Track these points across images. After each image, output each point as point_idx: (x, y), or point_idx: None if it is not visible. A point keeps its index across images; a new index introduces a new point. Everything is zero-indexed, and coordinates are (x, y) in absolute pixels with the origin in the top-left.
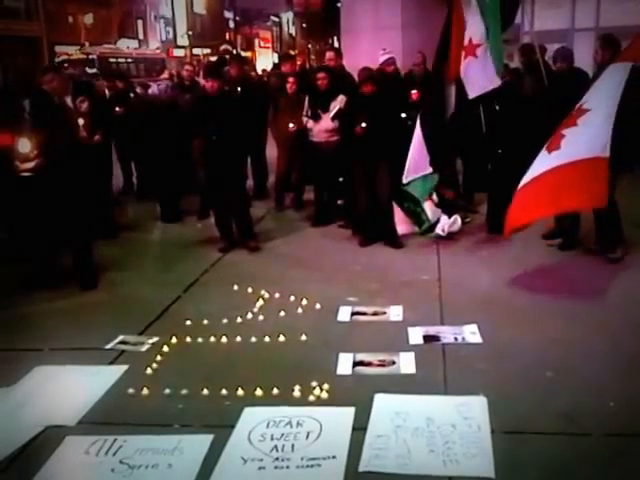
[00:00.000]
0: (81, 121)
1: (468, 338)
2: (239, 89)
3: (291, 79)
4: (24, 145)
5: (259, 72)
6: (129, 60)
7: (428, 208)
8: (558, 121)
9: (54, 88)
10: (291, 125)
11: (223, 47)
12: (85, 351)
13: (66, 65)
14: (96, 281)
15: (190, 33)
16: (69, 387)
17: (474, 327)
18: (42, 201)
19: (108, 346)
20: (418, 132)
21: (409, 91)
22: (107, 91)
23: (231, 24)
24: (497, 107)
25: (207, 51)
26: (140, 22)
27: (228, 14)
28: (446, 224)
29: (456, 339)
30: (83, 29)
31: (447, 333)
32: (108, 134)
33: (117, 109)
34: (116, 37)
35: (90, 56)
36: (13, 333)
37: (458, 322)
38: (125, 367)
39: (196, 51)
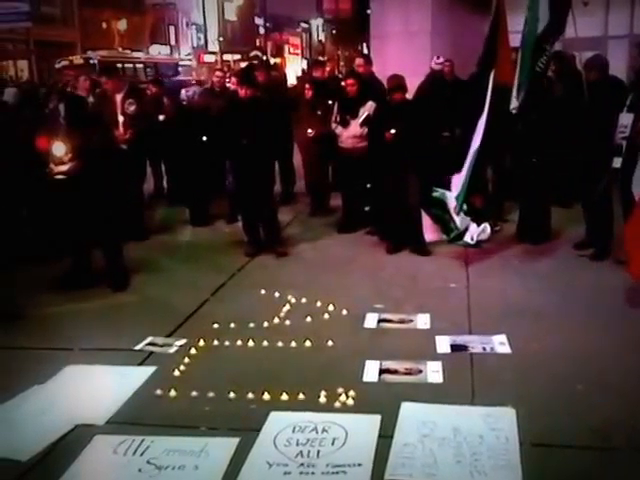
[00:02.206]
0: (121, 118)
1: (497, 348)
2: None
3: (307, 85)
4: (59, 148)
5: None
6: (137, 65)
7: (457, 216)
8: (595, 130)
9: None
10: (309, 131)
11: (253, 53)
12: (114, 352)
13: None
14: (126, 282)
15: (221, 39)
16: (98, 387)
17: (503, 337)
18: (75, 203)
19: (137, 347)
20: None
21: None
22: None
23: (261, 30)
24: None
25: (237, 57)
26: (172, 28)
27: (259, 20)
28: (475, 232)
29: (484, 349)
30: (117, 35)
31: (475, 343)
32: (145, 138)
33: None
34: (148, 43)
35: (91, 61)
36: (44, 332)
37: (487, 332)
38: (153, 368)
39: (226, 57)
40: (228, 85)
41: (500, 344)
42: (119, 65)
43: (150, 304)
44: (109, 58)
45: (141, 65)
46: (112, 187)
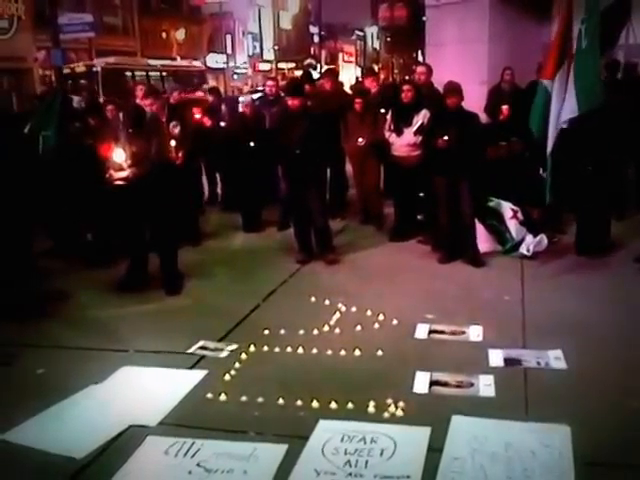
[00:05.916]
0: (173, 142)
1: (552, 363)
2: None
3: (358, 100)
4: (119, 155)
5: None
6: (151, 73)
7: (513, 226)
8: None
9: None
10: (360, 140)
11: (307, 61)
12: (167, 354)
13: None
14: (180, 287)
15: (276, 48)
16: (152, 388)
17: (558, 352)
18: (133, 209)
19: (189, 351)
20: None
21: (499, 107)
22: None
23: (316, 39)
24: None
25: (292, 65)
26: (229, 37)
27: (313, 29)
28: (531, 243)
29: (539, 364)
30: (175, 44)
31: (529, 357)
32: (198, 149)
33: (207, 122)
34: (206, 52)
35: (94, 68)
36: (101, 333)
37: (541, 346)
38: (205, 372)
39: (281, 65)
40: (281, 94)
41: (555, 359)
42: (128, 73)
43: (202, 308)
44: (115, 65)
45: (157, 73)
46: (168, 194)
